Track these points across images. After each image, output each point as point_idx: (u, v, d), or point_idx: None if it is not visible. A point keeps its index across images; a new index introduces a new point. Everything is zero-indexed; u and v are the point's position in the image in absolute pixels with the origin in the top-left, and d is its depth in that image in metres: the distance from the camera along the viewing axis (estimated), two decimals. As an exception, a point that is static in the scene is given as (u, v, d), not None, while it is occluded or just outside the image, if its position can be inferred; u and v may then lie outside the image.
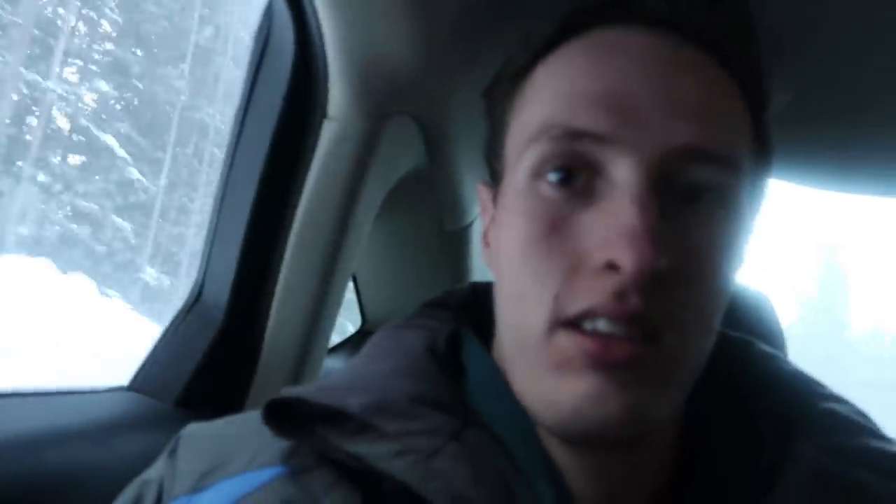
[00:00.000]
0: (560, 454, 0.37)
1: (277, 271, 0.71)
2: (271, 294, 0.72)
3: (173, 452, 0.42)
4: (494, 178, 0.44)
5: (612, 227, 0.33)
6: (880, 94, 0.69)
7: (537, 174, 0.37)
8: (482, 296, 0.48)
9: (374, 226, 0.97)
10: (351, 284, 1.13)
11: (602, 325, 0.33)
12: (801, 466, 0.36)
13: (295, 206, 0.69)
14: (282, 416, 0.39)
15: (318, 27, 0.60)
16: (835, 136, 0.79)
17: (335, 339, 1.17)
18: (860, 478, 0.35)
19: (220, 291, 0.72)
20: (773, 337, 0.69)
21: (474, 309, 0.48)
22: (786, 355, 0.71)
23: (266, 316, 0.72)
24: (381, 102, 0.68)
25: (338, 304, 0.76)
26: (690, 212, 0.35)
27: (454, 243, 1.01)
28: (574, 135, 0.36)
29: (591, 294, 0.34)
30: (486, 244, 0.46)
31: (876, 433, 0.39)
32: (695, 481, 0.39)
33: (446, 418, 0.37)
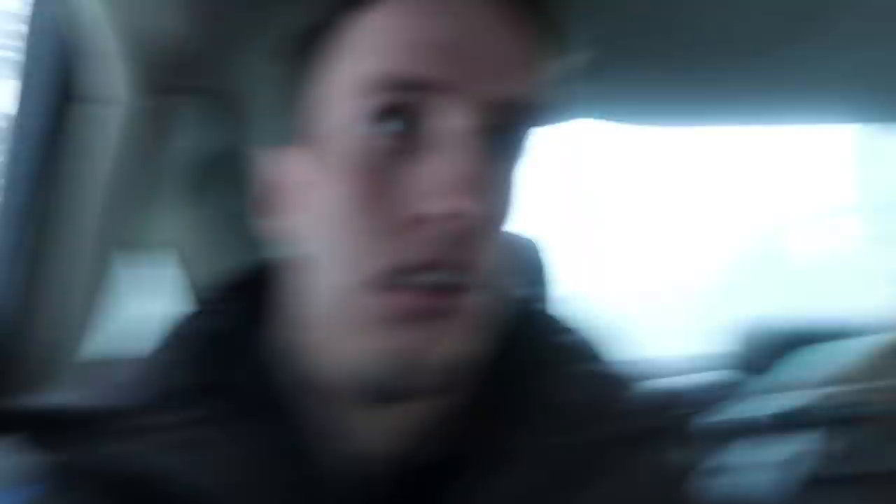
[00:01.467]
0: (359, 418, 0.38)
1: (50, 274, 0.64)
2: (40, 300, 0.65)
3: None
4: (301, 140, 0.41)
5: (436, 177, 0.33)
6: (688, 32, 0.73)
7: (358, 127, 0.36)
8: (272, 273, 0.45)
9: (198, 211, 0.94)
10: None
11: (419, 278, 0.34)
12: (530, 401, 0.39)
13: (69, 197, 0.66)
14: (40, 426, 0.37)
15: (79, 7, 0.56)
16: (643, 76, 0.83)
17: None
18: (579, 400, 0.39)
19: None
20: (539, 280, 0.75)
21: (264, 287, 0.45)
22: (550, 296, 0.75)
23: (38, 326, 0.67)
24: (164, 81, 0.65)
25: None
26: (501, 161, 0.36)
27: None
28: (395, 85, 0.35)
29: (408, 247, 0.34)
30: (280, 214, 0.42)
31: (596, 357, 0.43)
32: (455, 431, 0.39)
33: (220, 404, 0.37)
